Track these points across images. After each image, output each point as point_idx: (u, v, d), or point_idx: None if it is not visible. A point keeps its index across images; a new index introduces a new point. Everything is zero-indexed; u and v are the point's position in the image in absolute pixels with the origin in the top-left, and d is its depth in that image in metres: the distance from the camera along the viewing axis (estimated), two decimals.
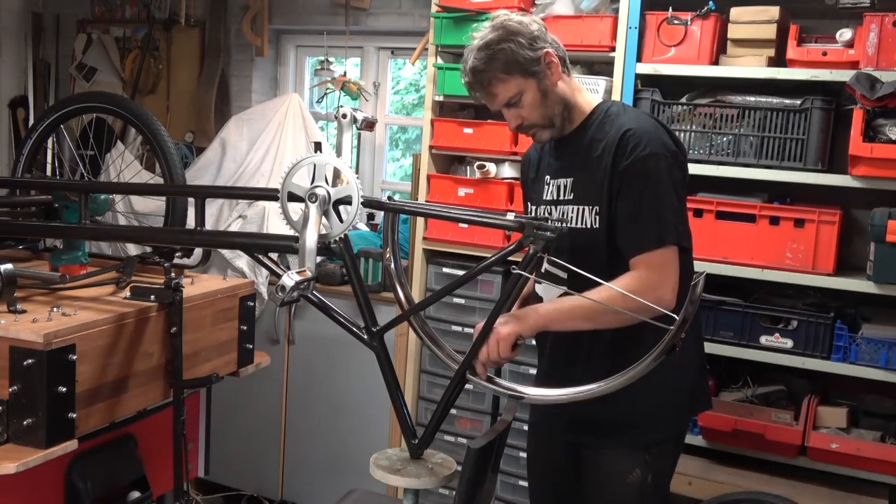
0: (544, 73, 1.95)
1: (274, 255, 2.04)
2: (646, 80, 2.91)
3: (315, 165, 1.84)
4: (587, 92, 2.10)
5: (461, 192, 3.20)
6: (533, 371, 3.08)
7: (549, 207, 2.08)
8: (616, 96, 2.91)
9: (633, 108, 2.09)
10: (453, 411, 3.16)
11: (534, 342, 2.13)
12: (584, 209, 1.98)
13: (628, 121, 1.95)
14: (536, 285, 2.07)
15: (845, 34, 2.68)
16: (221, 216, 3.70)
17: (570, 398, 1.80)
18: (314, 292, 1.84)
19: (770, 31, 2.75)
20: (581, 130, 2.02)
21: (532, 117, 1.98)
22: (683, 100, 2.89)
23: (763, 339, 2.76)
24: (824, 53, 2.68)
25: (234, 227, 3.60)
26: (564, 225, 1.93)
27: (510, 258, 1.84)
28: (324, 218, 1.84)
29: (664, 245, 1.87)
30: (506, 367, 3.13)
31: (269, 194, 2.03)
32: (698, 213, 2.80)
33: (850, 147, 2.56)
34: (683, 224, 1.95)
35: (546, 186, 2.09)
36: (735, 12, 2.79)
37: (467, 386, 1.89)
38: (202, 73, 4.31)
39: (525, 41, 1.92)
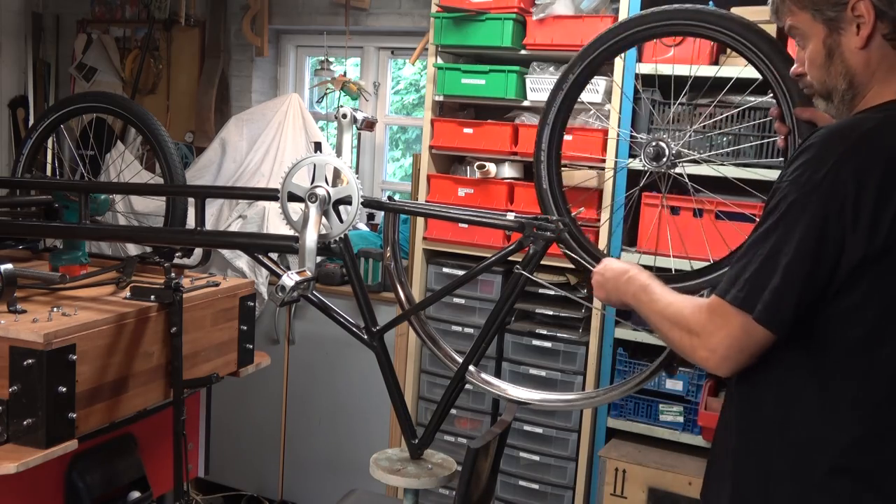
0: (841, 26, 1.37)
1: (274, 255, 2.04)
2: (646, 80, 2.91)
3: (315, 165, 1.84)
4: None
5: (461, 192, 3.20)
6: (533, 371, 3.08)
7: None
8: (616, 97, 2.91)
9: None
10: (453, 411, 3.16)
11: None
12: None
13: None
14: None
15: None
16: (221, 216, 3.70)
17: (569, 406, 1.80)
18: (314, 292, 1.84)
19: (770, 31, 2.74)
20: None
21: (812, 76, 1.45)
22: (683, 100, 2.89)
23: None
24: None
25: (234, 227, 3.60)
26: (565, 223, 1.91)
27: (510, 258, 1.84)
28: (324, 218, 1.84)
29: (730, 303, 1.34)
30: (506, 367, 3.13)
31: (269, 194, 2.03)
32: (698, 212, 2.80)
33: None
34: (782, 299, 1.30)
35: None
36: (735, 12, 2.78)
37: (467, 386, 1.89)
38: (202, 73, 4.31)
39: None
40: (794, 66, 1.51)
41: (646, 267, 1.64)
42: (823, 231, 1.26)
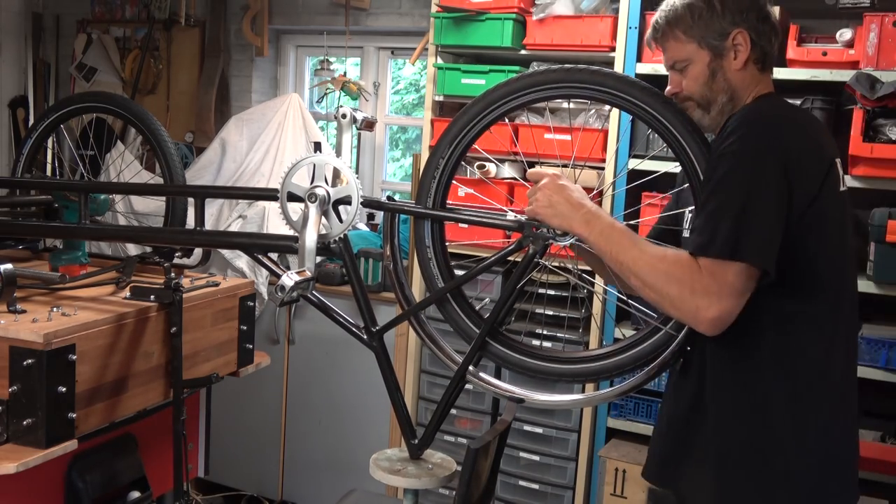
0: (723, 53, 1.67)
1: (274, 255, 2.04)
2: (646, 81, 2.90)
3: (315, 165, 1.84)
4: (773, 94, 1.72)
5: (461, 192, 3.20)
6: None
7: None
8: None
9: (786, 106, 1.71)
10: (453, 411, 3.16)
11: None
12: None
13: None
14: None
15: (845, 34, 2.68)
16: (221, 216, 3.70)
17: (573, 404, 1.80)
18: (314, 292, 1.84)
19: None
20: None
21: (690, 90, 1.72)
22: None
23: None
24: (824, 53, 2.68)
25: (234, 227, 3.60)
26: None
27: (510, 258, 1.84)
28: (324, 218, 1.84)
29: (720, 258, 1.48)
30: None
31: (268, 194, 2.03)
32: None
33: (850, 147, 2.56)
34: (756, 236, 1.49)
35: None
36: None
37: (467, 386, 1.89)
38: (202, 73, 4.31)
39: (724, 11, 1.66)
40: (669, 87, 1.75)
41: None
42: (780, 184, 1.49)
